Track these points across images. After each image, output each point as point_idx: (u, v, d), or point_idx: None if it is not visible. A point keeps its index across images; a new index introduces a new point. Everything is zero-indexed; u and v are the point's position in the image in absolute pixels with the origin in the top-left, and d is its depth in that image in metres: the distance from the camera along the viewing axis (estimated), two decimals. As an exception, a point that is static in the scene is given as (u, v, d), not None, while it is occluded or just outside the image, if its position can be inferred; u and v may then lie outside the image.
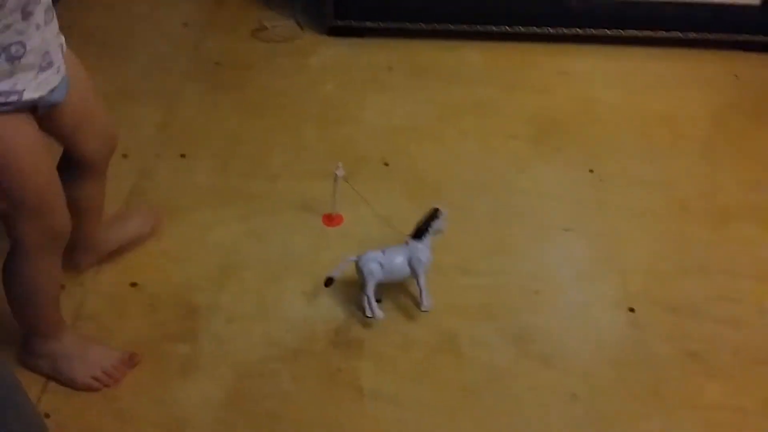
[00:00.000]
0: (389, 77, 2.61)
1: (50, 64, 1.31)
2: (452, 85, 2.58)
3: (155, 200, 2.08)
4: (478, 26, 2.75)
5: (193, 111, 2.41)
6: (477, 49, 2.75)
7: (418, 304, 1.82)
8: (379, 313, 1.75)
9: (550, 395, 1.66)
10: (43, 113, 1.37)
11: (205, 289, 1.85)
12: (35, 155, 1.36)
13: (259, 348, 1.72)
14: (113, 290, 1.84)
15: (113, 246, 1.87)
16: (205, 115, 2.41)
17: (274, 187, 2.14)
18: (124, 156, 2.16)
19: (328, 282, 1.78)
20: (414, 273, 1.78)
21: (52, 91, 1.34)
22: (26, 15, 1.22)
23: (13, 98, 1.27)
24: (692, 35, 2.74)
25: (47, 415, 1.55)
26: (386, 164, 2.23)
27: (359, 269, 1.77)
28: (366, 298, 1.75)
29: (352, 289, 1.83)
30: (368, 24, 2.76)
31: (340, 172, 1.94)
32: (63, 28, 1.39)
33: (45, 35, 1.28)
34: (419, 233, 1.82)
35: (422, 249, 1.80)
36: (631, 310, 1.84)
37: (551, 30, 2.75)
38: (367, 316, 1.75)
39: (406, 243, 1.82)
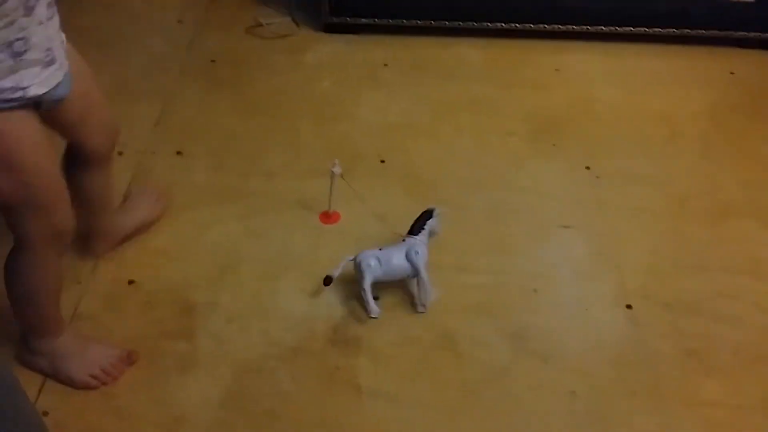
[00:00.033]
0: (385, 74, 2.61)
1: (53, 60, 1.31)
2: (448, 82, 2.57)
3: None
4: (473, 23, 2.74)
5: (188, 108, 2.40)
6: (473, 46, 2.74)
7: (414, 304, 1.82)
8: (375, 308, 1.75)
9: (548, 393, 1.66)
10: (46, 109, 1.36)
11: (203, 287, 1.85)
12: (40, 152, 1.35)
13: (257, 346, 1.72)
14: (111, 288, 1.83)
15: (128, 230, 1.91)
16: (201, 112, 2.40)
17: (271, 184, 2.13)
18: (120, 153, 2.15)
19: (328, 281, 1.78)
20: (414, 267, 1.78)
21: (56, 87, 1.33)
22: (29, 10, 1.21)
23: (18, 95, 1.26)
24: (688, 32, 2.74)
25: (45, 413, 1.55)
26: (382, 161, 2.23)
27: (357, 265, 1.78)
28: (363, 292, 1.75)
29: (350, 288, 1.83)
30: (364, 21, 2.75)
31: (337, 170, 1.94)
32: (58, 26, 1.38)
33: (48, 31, 1.28)
34: (414, 230, 1.84)
35: (419, 243, 1.80)
36: (629, 307, 1.84)
37: (547, 27, 2.74)
38: (371, 316, 1.76)
39: (403, 240, 1.83)
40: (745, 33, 2.74)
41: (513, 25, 2.74)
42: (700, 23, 2.73)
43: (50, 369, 1.62)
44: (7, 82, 1.24)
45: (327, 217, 2.03)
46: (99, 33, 2.70)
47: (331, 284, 1.79)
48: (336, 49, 2.72)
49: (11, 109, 1.27)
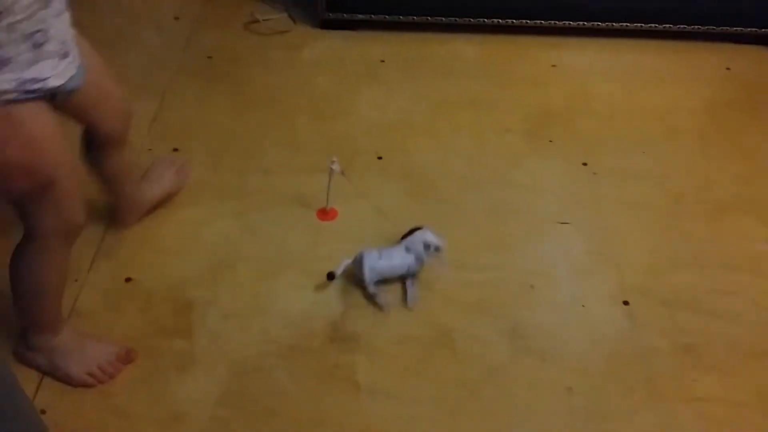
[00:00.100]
0: (382, 71, 2.61)
1: (68, 53, 1.33)
2: (445, 79, 2.57)
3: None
4: (470, 19, 2.75)
5: (185, 105, 2.40)
6: (469, 43, 2.74)
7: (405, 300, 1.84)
8: (387, 303, 1.79)
9: (546, 390, 1.66)
10: (61, 101, 1.37)
11: (201, 284, 1.84)
12: (57, 144, 1.36)
13: (255, 344, 1.72)
14: (108, 286, 1.83)
15: (154, 201, 1.98)
16: (198, 109, 2.39)
17: (268, 181, 2.13)
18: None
19: (331, 276, 1.81)
20: (417, 254, 1.81)
21: (70, 79, 1.35)
22: (46, 3, 1.23)
23: (39, 86, 1.27)
24: (684, 28, 2.74)
25: (43, 412, 1.55)
26: (380, 158, 2.23)
27: (359, 264, 1.80)
28: (370, 290, 1.79)
29: (349, 285, 1.84)
30: (360, 17, 2.75)
31: (336, 167, 1.94)
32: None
33: (63, 24, 1.30)
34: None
35: (417, 240, 1.83)
36: (627, 303, 1.84)
37: (544, 23, 2.74)
38: (384, 311, 1.79)
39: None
40: (741, 28, 2.74)
41: (509, 21, 2.74)
42: (696, 19, 2.73)
43: (48, 366, 1.62)
44: (29, 74, 1.25)
45: (324, 214, 2.03)
46: (95, 30, 2.66)
47: (334, 279, 1.81)
48: (333, 46, 2.72)
49: (31, 100, 1.28)
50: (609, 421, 1.61)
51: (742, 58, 2.72)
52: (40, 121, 1.31)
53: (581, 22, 2.74)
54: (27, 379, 1.60)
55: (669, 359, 1.73)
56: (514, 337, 1.76)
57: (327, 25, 2.78)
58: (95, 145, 1.69)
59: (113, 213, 1.94)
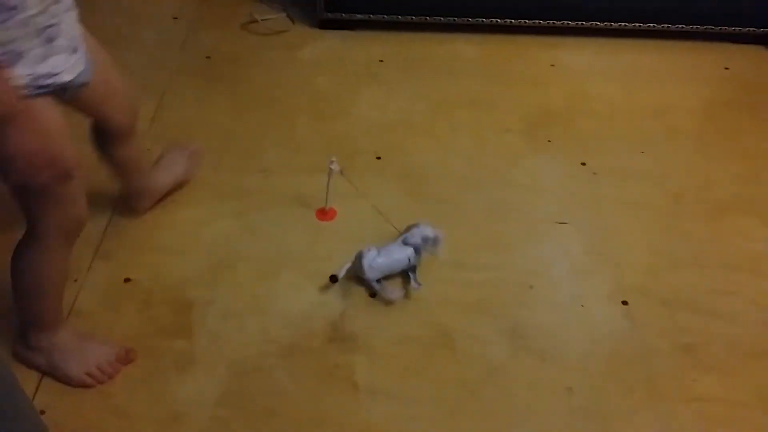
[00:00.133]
0: (381, 70, 2.61)
1: (77, 48, 1.34)
2: (444, 79, 2.57)
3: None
4: (469, 19, 2.75)
5: (184, 105, 2.40)
6: (468, 42, 2.74)
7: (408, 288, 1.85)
8: (395, 293, 1.80)
9: (545, 389, 1.66)
10: (69, 96, 1.38)
11: (200, 284, 1.84)
12: (66, 140, 1.36)
13: (254, 344, 1.72)
14: (107, 286, 1.83)
15: (166, 188, 2.02)
16: (197, 109, 2.39)
17: (267, 181, 2.13)
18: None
19: (334, 279, 1.81)
20: (414, 246, 1.83)
21: (80, 74, 1.36)
22: None
23: (52, 81, 1.28)
24: (682, 27, 2.75)
25: (42, 412, 1.54)
26: (378, 158, 2.23)
27: (360, 263, 1.80)
28: (375, 286, 1.80)
29: (348, 285, 1.84)
30: (359, 17, 2.75)
31: (335, 167, 1.94)
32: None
33: (72, 19, 1.32)
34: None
35: (415, 233, 1.85)
36: (626, 303, 1.84)
37: (542, 23, 2.75)
38: (392, 297, 1.80)
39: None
40: (739, 28, 2.75)
41: (508, 21, 2.75)
42: (695, 19, 2.73)
43: (47, 366, 1.62)
44: (43, 68, 1.26)
45: (323, 214, 2.03)
46: (95, 30, 2.64)
47: (337, 282, 1.82)
48: (331, 46, 2.72)
49: (42, 95, 1.28)
50: (609, 421, 1.61)
51: (740, 58, 2.72)
52: (52, 115, 1.32)
53: (580, 22, 2.74)
54: (26, 379, 1.60)
55: (669, 359, 1.73)
56: (513, 337, 1.76)
57: (326, 25, 2.79)
58: (104, 137, 1.72)
59: (126, 200, 1.98)
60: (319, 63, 2.63)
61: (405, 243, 1.85)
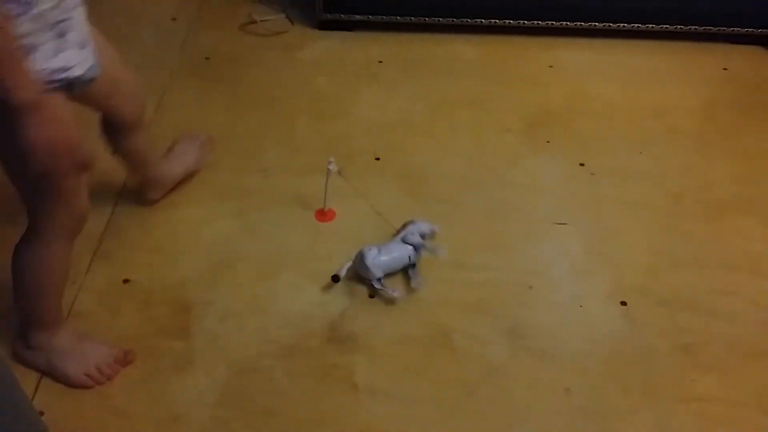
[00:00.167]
0: (380, 71, 2.61)
1: (85, 43, 1.34)
2: (443, 79, 2.57)
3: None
4: (467, 20, 2.75)
5: (183, 106, 2.40)
6: (467, 43, 2.74)
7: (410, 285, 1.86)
8: (395, 292, 1.80)
9: (545, 390, 1.66)
10: (78, 91, 1.37)
11: (199, 285, 1.84)
12: (76, 135, 1.36)
13: (253, 344, 1.72)
14: (106, 287, 1.83)
15: (178, 178, 2.05)
16: (196, 109, 2.39)
17: (266, 182, 2.13)
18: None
19: (336, 279, 1.81)
20: (414, 244, 1.84)
21: (89, 68, 1.36)
22: None
23: (65, 75, 1.29)
24: (681, 28, 2.75)
25: (41, 413, 1.54)
26: (377, 159, 2.23)
27: (362, 262, 1.80)
28: (377, 284, 1.80)
29: (346, 285, 1.84)
30: (358, 17, 2.75)
31: (333, 167, 1.94)
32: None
33: (82, 15, 1.33)
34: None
35: (412, 230, 1.86)
36: (625, 303, 1.84)
37: (541, 23, 2.75)
38: (394, 295, 1.80)
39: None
40: (738, 29, 2.75)
41: (507, 21, 2.75)
42: (694, 20, 2.74)
43: (46, 366, 1.62)
44: (56, 63, 1.26)
45: (322, 215, 2.03)
46: (91, 30, 2.69)
47: (339, 281, 1.83)
48: (330, 46, 2.72)
49: (56, 90, 1.28)
50: (608, 421, 1.61)
51: (739, 59, 2.73)
52: (66, 108, 1.32)
53: (579, 23, 2.74)
54: (25, 380, 1.60)
55: (668, 359, 1.73)
56: (513, 337, 1.76)
57: (325, 26, 2.79)
58: (113, 129, 1.74)
59: (137, 191, 2.00)
60: (319, 64, 2.63)
61: (404, 241, 1.85)
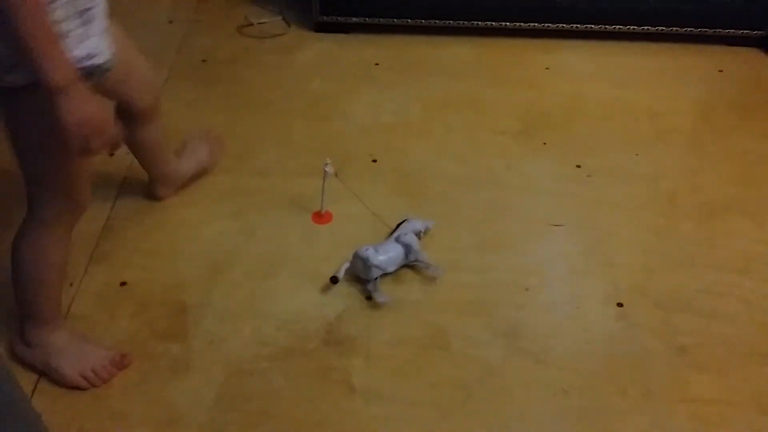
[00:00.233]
0: (376, 73, 2.61)
1: (104, 31, 1.34)
2: (439, 81, 2.58)
3: (144, 197, 2.07)
4: (464, 22, 2.75)
5: (179, 108, 2.40)
6: (463, 45, 2.75)
7: (428, 277, 1.88)
8: (382, 296, 1.80)
9: (540, 391, 1.67)
10: (97, 80, 1.37)
11: (196, 287, 1.85)
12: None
13: (250, 346, 1.72)
14: (103, 290, 1.83)
15: (188, 174, 2.07)
16: (192, 111, 2.40)
17: (263, 184, 2.13)
18: (111, 154, 2.15)
19: (334, 280, 1.82)
20: (406, 245, 1.85)
21: (108, 58, 1.36)
22: None
23: (89, 63, 1.29)
24: (677, 30, 2.75)
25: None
26: (374, 160, 2.23)
27: (359, 260, 1.81)
28: (370, 284, 1.81)
29: (343, 287, 1.84)
30: (354, 20, 2.75)
31: (329, 169, 1.94)
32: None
33: (104, 4, 1.34)
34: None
35: (407, 232, 1.88)
36: (620, 305, 1.85)
37: (537, 25, 2.75)
38: (380, 301, 1.80)
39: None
40: (734, 31, 2.75)
41: (503, 23, 2.75)
42: (689, 21, 2.74)
43: (43, 364, 1.63)
44: (81, 51, 1.27)
45: (319, 217, 2.03)
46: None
47: (338, 282, 1.83)
48: (327, 48, 2.72)
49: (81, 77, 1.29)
50: (604, 421, 1.62)
51: (734, 61, 2.73)
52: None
53: (575, 25, 2.75)
54: (23, 382, 1.58)
55: (663, 360, 1.74)
56: (509, 338, 1.77)
57: (321, 28, 2.79)
58: (128, 120, 1.75)
59: (149, 187, 2.03)
60: (315, 66, 2.64)
61: (398, 241, 1.86)
